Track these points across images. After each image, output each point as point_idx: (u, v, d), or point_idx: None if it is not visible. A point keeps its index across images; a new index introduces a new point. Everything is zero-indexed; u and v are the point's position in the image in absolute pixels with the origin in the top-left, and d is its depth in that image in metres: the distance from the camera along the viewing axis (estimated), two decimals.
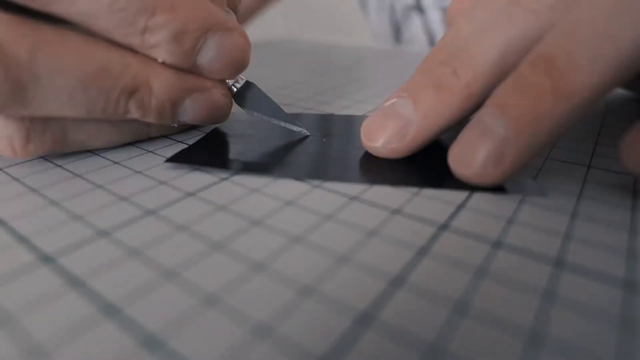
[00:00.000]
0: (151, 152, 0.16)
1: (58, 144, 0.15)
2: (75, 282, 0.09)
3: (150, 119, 0.15)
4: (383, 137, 0.14)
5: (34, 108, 0.13)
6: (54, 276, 0.09)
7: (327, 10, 1.05)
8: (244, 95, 0.17)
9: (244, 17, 0.48)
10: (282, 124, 0.17)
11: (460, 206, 0.12)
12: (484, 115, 0.12)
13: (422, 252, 0.10)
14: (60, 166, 0.15)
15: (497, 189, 0.13)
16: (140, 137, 0.17)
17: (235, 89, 0.17)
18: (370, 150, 0.15)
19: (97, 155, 0.16)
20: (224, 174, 0.14)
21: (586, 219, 0.11)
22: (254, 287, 0.09)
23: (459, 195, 0.13)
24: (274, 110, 0.17)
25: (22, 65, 0.12)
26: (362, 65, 0.33)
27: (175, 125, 0.16)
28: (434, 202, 0.12)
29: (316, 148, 0.16)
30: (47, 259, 0.10)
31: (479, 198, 0.13)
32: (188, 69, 0.15)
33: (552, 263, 0.10)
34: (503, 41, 0.13)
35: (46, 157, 0.16)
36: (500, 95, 0.12)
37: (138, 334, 0.08)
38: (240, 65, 0.15)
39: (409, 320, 0.08)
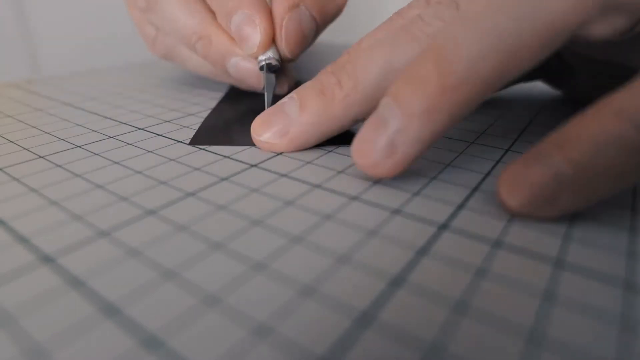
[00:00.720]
0: (151, 152, 0.16)
1: (170, 52, 0.24)
2: (75, 282, 0.09)
3: (210, 62, 0.22)
4: (266, 133, 0.16)
5: (155, 19, 0.23)
6: (54, 276, 0.09)
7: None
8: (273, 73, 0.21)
9: None
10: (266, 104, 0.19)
11: (460, 206, 0.12)
12: (381, 105, 0.12)
13: (422, 252, 0.10)
14: (60, 166, 0.15)
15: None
16: (215, 78, 0.24)
17: (265, 65, 0.20)
18: (255, 143, 0.16)
19: (97, 155, 0.16)
20: (224, 174, 0.14)
21: (586, 219, 0.11)
22: (254, 287, 0.09)
23: (459, 195, 0.13)
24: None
25: None
26: None
27: (227, 78, 0.23)
28: (434, 202, 0.12)
29: None
30: (47, 259, 0.10)
31: (479, 198, 0.13)
32: (226, 28, 0.21)
33: (552, 263, 0.10)
34: (385, 60, 0.14)
35: (46, 157, 0.16)
36: (395, 85, 0.12)
37: (138, 334, 0.08)
38: (250, 42, 0.20)
39: (409, 320, 0.08)
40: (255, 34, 0.19)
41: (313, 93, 0.15)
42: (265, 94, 0.19)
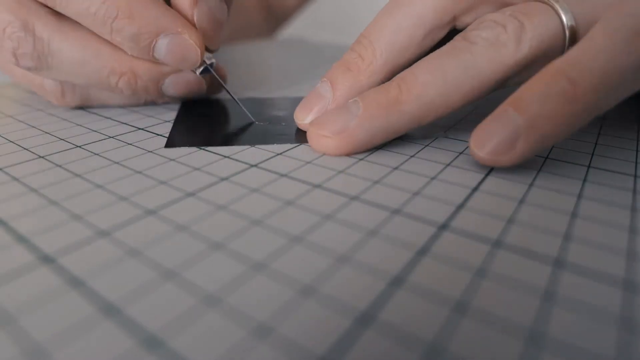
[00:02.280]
0: (151, 152, 0.16)
1: (85, 99, 0.21)
2: (75, 282, 0.09)
3: (140, 95, 0.20)
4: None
5: (53, 74, 0.19)
6: (54, 276, 0.09)
7: (338, 11, 1.05)
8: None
9: (288, 13, 0.50)
10: (238, 103, 0.20)
11: (460, 206, 0.12)
12: (504, 110, 0.13)
13: (422, 252, 0.10)
14: (60, 166, 0.15)
15: None
16: (146, 101, 0.22)
17: (206, 66, 0.20)
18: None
19: (97, 155, 0.16)
20: (224, 174, 0.14)
21: (586, 218, 0.11)
22: (254, 287, 0.09)
23: (459, 195, 0.13)
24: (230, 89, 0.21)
25: (44, 43, 0.18)
26: None
27: (165, 99, 0.21)
28: (434, 202, 0.12)
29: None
30: (47, 259, 0.10)
31: (479, 198, 0.13)
32: (150, 60, 0.19)
33: (552, 263, 0.10)
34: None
35: (46, 157, 0.16)
36: (520, 95, 0.13)
37: (138, 334, 0.08)
38: (191, 60, 0.19)
39: (409, 320, 0.08)
40: (192, 50, 0.18)
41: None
42: (226, 90, 0.20)
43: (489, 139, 0.13)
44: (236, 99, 0.20)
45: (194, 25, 0.19)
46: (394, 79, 0.16)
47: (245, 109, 0.20)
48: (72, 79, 0.19)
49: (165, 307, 0.09)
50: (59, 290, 0.09)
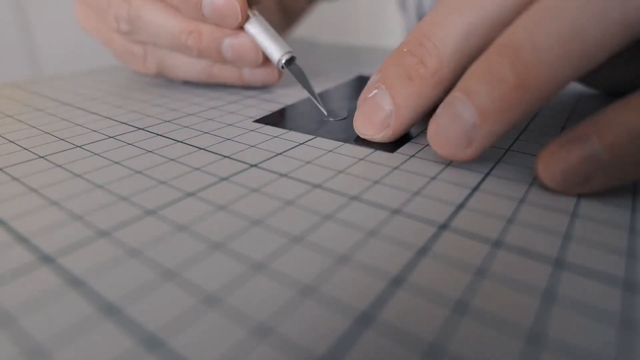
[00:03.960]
0: (151, 152, 0.16)
1: (161, 66, 0.25)
2: (75, 282, 0.09)
3: (205, 54, 0.23)
4: (370, 130, 0.16)
5: (142, 36, 0.23)
6: (54, 276, 0.09)
7: (343, 13, 1.05)
8: (292, 65, 0.23)
9: (300, 14, 0.51)
10: (315, 100, 0.21)
11: (460, 206, 0.12)
12: (455, 99, 0.13)
13: (422, 252, 0.10)
14: (60, 166, 0.15)
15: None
16: (209, 79, 0.25)
17: (285, 59, 0.22)
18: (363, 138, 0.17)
19: (97, 155, 0.16)
20: (224, 174, 0.14)
21: (586, 219, 0.11)
22: (254, 287, 0.09)
23: (459, 195, 0.13)
24: (310, 85, 0.22)
25: (137, 9, 0.22)
26: (368, 65, 0.33)
27: (227, 61, 0.23)
28: (434, 202, 0.12)
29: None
30: (47, 259, 0.10)
31: (479, 198, 0.13)
32: (198, 17, 0.22)
33: (552, 263, 0.10)
34: (464, 26, 0.14)
35: (46, 157, 0.16)
36: (469, 82, 0.12)
37: (138, 334, 0.08)
38: (231, 17, 0.21)
39: (409, 320, 0.08)
40: (231, 4, 0.21)
41: (400, 81, 0.15)
42: (304, 87, 0.21)
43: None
44: (315, 96, 0.21)
45: None
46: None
47: (321, 107, 0.21)
48: (155, 39, 0.23)
49: (165, 307, 0.09)
50: (59, 290, 0.09)
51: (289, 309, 0.08)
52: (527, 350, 0.07)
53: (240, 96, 0.24)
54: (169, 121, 0.20)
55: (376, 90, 0.16)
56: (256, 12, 0.22)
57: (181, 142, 0.17)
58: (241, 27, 0.22)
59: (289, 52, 0.22)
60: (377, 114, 0.16)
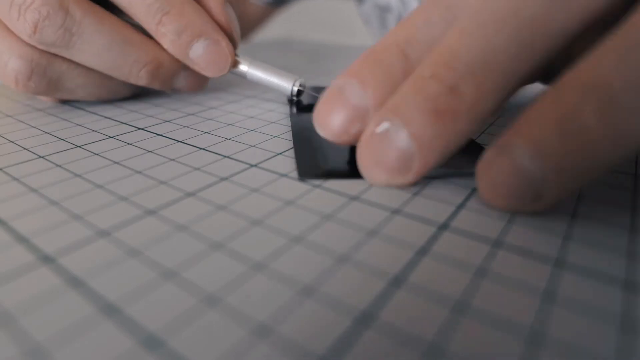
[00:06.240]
0: (151, 152, 0.16)
1: (53, 87, 0.20)
2: (75, 282, 0.09)
3: (155, 85, 0.21)
4: (384, 175, 0.12)
5: (73, 53, 0.19)
6: (54, 276, 0.09)
7: (326, 11, 1.05)
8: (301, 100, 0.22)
9: (251, 26, 0.49)
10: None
11: (460, 206, 0.12)
12: (518, 149, 0.10)
13: (422, 252, 0.10)
14: (60, 166, 0.15)
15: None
16: (117, 96, 0.22)
17: (295, 94, 0.22)
18: (371, 183, 0.13)
19: (97, 155, 0.16)
20: (224, 174, 0.14)
21: (586, 219, 0.11)
22: (254, 287, 0.09)
23: (459, 195, 0.13)
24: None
25: (75, 21, 0.18)
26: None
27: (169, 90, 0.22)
28: (434, 202, 0.12)
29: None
30: (47, 259, 0.10)
31: (479, 198, 0.13)
32: (182, 59, 0.20)
33: (552, 263, 0.10)
34: (514, 41, 0.11)
35: (46, 157, 0.16)
36: (538, 130, 0.10)
37: (138, 334, 0.08)
38: (220, 66, 0.21)
39: (409, 320, 0.08)
40: (224, 58, 0.20)
41: (422, 116, 0.11)
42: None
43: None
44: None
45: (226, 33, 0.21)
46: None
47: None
48: (89, 60, 0.19)
49: (165, 307, 0.09)
50: (59, 290, 0.09)
51: (289, 309, 0.08)
52: (527, 350, 0.07)
53: (240, 96, 0.24)
54: (169, 121, 0.20)
55: (387, 124, 0.12)
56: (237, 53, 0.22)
57: (181, 142, 0.17)
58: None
59: (297, 79, 0.21)
60: (392, 156, 0.12)
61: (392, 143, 0.12)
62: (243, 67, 0.22)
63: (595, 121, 0.09)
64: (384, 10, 0.42)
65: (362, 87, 0.13)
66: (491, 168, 0.11)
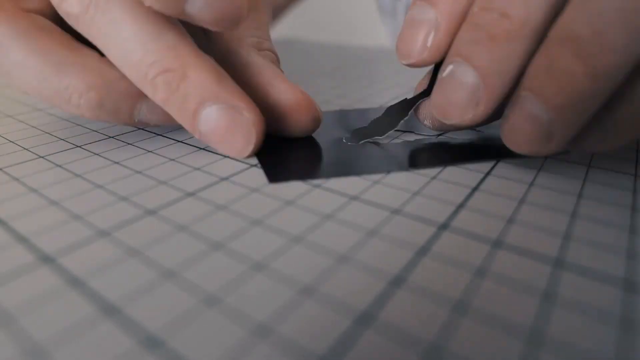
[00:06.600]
0: (151, 152, 0.16)
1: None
2: (75, 282, 0.09)
3: (107, 117, 0.16)
4: (457, 112, 0.13)
5: (7, 80, 0.16)
6: (54, 276, 0.09)
7: (331, 11, 1.05)
8: None
9: (274, 14, 0.48)
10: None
11: (460, 206, 0.12)
12: (525, 99, 0.12)
13: (422, 252, 0.10)
14: (60, 166, 0.15)
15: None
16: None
17: None
18: (442, 128, 0.15)
19: (97, 155, 0.16)
20: (223, 174, 0.14)
21: (586, 219, 0.11)
22: (254, 287, 0.09)
23: (459, 195, 0.13)
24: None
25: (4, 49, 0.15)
26: (360, 65, 0.33)
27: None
28: (434, 202, 0.12)
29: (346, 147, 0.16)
30: (47, 259, 0.10)
31: (479, 198, 0.13)
32: (178, 16, 0.13)
33: (552, 263, 0.10)
34: None
35: (46, 157, 0.16)
36: (535, 79, 0.12)
37: (138, 334, 0.08)
38: (233, 15, 0.13)
39: (409, 320, 0.08)
40: (244, 136, 0.14)
41: (479, 45, 0.12)
42: None
43: (522, 136, 0.12)
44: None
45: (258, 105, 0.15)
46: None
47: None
48: (25, 88, 0.16)
49: (165, 307, 0.09)
50: (59, 290, 0.09)
51: (289, 309, 0.08)
52: (527, 350, 0.07)
53: None
54: None
55: (451, 66, 0.13)
56: None
57: (181, 142, 0.17)
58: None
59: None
60: (460, 92, 0.13)
61: (458, 80, 0.13)
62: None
63: (574, 62, 0.11)
64: None
65: (432, 6, 0.14)
66: (508, 118, 0.13)
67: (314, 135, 0.17)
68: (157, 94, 0.14)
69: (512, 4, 0.12)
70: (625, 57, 0.11)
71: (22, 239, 0.11)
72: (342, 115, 0.20)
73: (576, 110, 0.11)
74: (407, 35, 0.14)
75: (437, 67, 0.15)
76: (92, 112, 0.16)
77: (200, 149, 0.16)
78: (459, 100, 0.13)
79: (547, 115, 0.12)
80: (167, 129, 0.19)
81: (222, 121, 0.14)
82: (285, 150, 0.16)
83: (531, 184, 0.13)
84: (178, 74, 0.14)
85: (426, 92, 0.16)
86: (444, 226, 0.11)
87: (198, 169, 0.15)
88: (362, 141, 0.17)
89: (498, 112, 0.14)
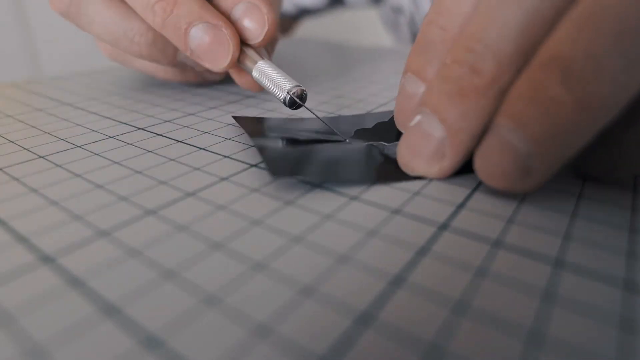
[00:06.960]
0: (151, 152, 0.16)
1: (73, 8, 0.21)
2: (75, 282, 0.09)
3: (167, 31, 0.19)
4: (422, 164, 0.13)
5: (80, 24, 0.21)
6: (54, 276, 0.09)
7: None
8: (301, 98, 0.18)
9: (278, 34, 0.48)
10: (325, 126, 0.18)
11: (460, 206, 0.12)
12: (503, 127, 0.11)
13: (422, 252, 0.10)
14: (60, 166, 0.15)
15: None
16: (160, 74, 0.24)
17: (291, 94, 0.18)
18: (410, 174, 0.14)
19: (97, 155, 0.16)
20: (224, 174, 0.14)
21: (586, 219, 0.11)
22: (254, 287, 0.09)
23: (459, 195, 0.13)
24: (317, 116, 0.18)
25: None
26: (360, 65, 0.33)
27: (186, 57, 0.22)
28: (434, 202, 0.12)
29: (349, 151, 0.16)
30: (47, 259, 0.10)
31: (479, 198, 0.13)
32: (184, 50, 0.19)
33: (552, 263, 0.10)
34: (523, 14, 0.11)
35: (46, 157, 0.16)
36: (517, 107, 0.11)
37: (138, 334, 0.08)
38: (219, 56, 0.19)
39: (409, 320, 0.08)
40: (225, 43, 0.19)
41: (449, 100, 0.12)
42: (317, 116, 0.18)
43: (497, 168, 0.11)
44: (324, 120, 0.18)
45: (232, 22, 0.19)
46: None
47: (335, 130, 0.18)
48: (97, 32, 0.21)
49: (165, 307, 0.09)
50: (59, 290, 0.09)
51: (289, 309, 0.08)
52: (527, 350, 0.07)
53: (240, 96, 0.24)
54: (169, 121, 0.20)
55: (419, 117, 0.13)
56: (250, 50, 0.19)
57: (181, 142, 0.17)
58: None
59: (297, 85, 0.18)
60: (426, 145, 0.13)
61: (424, 132, 0.13)
62: (250, 65, 0.19)
63: (561, 90, 0.10)
64: (397, 12, 0.42)
65: (419, 79, 0.14)
66: (483, 148, 0.12)
67: (315, 135, 0.17)
68: (157, 18, 0.18)
69: (483, 58, 0.11)
70: (623, 87, 0.10)
71: (22, 239, 0.11)
72: (342, 120, 0.20)
73: (559, 143, 0.10)
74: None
75: None
76: (148, 49, 0.21)
77: (200, 149, 0.16)
78: (425, 152, 0.13)
79: (526, 146, 0.10)
80: (168, 128, 0.19)
81: (207, 37, 0.19)
82: (288, 148, 0.16)
83: None
84: (171, 1, 0.18)
85: None
86: (444, 226, 0.11)
87: (198, 169, 0.15)
88: (367, 144, 0.16)
89: (468, 165, 0.13)
